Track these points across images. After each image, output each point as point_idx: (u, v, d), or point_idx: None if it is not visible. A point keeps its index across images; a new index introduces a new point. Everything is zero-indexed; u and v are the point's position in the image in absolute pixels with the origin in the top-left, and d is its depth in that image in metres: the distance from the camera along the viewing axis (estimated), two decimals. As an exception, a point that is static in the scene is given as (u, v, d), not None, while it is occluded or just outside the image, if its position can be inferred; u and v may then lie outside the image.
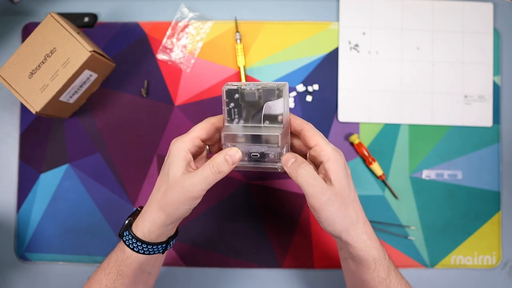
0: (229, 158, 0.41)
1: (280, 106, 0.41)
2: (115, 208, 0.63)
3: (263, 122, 0.42)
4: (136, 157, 0.63)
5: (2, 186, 0.64)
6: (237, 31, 0.63)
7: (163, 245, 0.46)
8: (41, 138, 0.64)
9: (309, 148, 0.43)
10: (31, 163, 0.63)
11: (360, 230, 0.42)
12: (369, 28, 0.65)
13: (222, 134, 0.42)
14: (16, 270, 0.63)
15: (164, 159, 0.63)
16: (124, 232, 0.45)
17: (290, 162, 0.41)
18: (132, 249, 0.44)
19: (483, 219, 0.63)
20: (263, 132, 0.42)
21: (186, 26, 0.64)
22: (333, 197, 0.40)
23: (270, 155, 0.43)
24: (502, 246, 0.64)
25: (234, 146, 0.42)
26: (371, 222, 0.62)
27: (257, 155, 0.43)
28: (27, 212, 0.63)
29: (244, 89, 0.41)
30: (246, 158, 0.43)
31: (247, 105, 0.42)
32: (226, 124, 0.43)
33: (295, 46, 0.64)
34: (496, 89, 0.65)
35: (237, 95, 0.42)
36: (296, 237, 0.63)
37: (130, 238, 0.44)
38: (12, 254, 0.63)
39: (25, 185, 0.63)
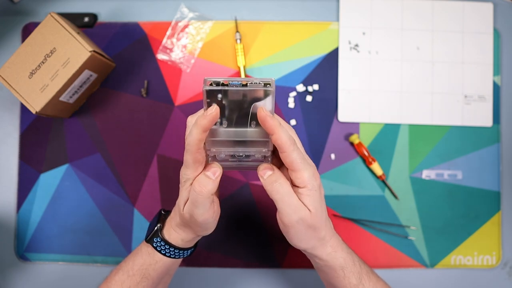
0: (211, 174, 0.40)
1: (268, 104, 0.37)
2: (115, 208, 0.63)
3: (250, 124, 0.39)
4: (136, 157, 0.63)
5: (2, 186, 0.64)
6: (237, 31, 0.63)
7: (193, 248, 0.49)
8: (41, 138, 0.64)
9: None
10: (31, 163, 0.63)
11: (326, 245, 0.43)
12: (369, 28, 0.65)
13: (206, 139, 0.39)
14: (16, 270, 0.63)
15: (165, 159, 0.63)
16: (155, 239, 0.46)
17: (266, 175, 0.41)
18: (164, 254, 0.46)
19: (483, 219, 0.63)
20: (250, 137, 0.39)
21: (186, 26, 0.64)
22: (304, 218, 0.40)
23: (256, 155, 0.41)
24: (502, 246, 0.64)
25: (216, 155, 0.41)
26: (371, 222, 0.63)
27: (242, 156, 0.41)
28: (27, 212, 0.63)
29: (227, 90, 0.37)
30: (229, 158, 0.41)
31: (231, 104, 0.38)
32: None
33: (295, 46, 0.64)
34: (496, 89, 0.65)
35: (220, 96, 0.37)
36: (296, 237, 0.63)
37: (163, 244, 0.46)
38: (12, 254, 0.63)
39: (25, 185, 0.63)
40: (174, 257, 0.46)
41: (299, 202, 0.40)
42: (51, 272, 0.63)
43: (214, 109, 0.36)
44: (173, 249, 0.46)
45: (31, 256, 0.63)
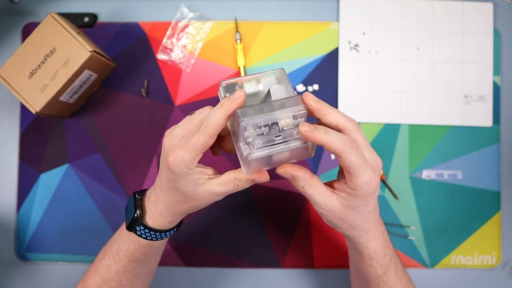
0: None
1: (283, 90, 0.39)
2: (115, 208, 0.63)
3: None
4: (136, 157, 0.63)
5: (2, 186, 0.64)
6: (237, 31, 0.63)
7: (177, 226, 0.47)
8: (41, 138, 0.64)
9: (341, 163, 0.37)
10: (31, 163, 0.63)
11: (359, 235, 0.42)
12: (369, 28, 0.65)
13: (236, 112, 0.36)
14: (16, 270, 0.63)
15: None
16: (137, 227, 0.44)
17: (298, 183, 0.39)
18: (150, 239, 0.44)
19: (483, 219, 0.63)
20: (278, 102, 0.37)
21: (186, 26, 0.64)
22: (333, 211, 0.39)
23: (294, 132, 0.37)
24: (502, 246, 0.64)
25: (251, 143, 0.37)
26: (371, 222, 0.63)
27: (279, 136, 0.37)
28: (27, 212, 0.63)
29: (242, 81, 0.39)
30: (267, 144, 0.37)
31: (249, 98, 0.39)
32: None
33: (295, 46, 0.64)
34: (496, 89, 0.65)
35: (237, 88, 0.39)
36: (296, 237, 0.63)
37: (147, 231, 0.43)
38: (12, 254, 0.63)
39: (25, 185, 0.63)
40: (162, 239, 0.45)
41: (331, 201, 0.39)
42: (51, 272, 0.63)
43: (243, 92, 0.36)
44: (159, 233, 0.44)
45: (31, 256, 0.63)
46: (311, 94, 0.37)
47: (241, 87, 0.39)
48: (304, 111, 0.37)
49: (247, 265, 0.63)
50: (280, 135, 0.37)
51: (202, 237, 0.63)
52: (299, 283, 0.63)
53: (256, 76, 0.39)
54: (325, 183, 0.40)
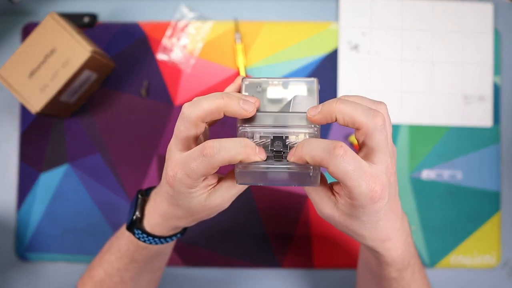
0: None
1: (309, 104, 0.34)
2: (115, 208, 0.63)
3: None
4: (136, 157, 0.63)
5: (2, 186, 0.64)
6: (237, 31, 0.63)
7: (181, 233, 0.44)
8: (41, 138, 0.64)
9: None
10: (31, 163, 0.63)
11: (372, 240, 0.36)
12: (369, 28, 0.65)
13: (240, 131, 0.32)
14: (16, 270, 0.63)
15: (165, 159, 0.63)
16: (135, 230, 0.41)
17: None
18: (149, 243, 0.42)
19: (483, 219, 0.63)
20: (291, 120, 0.32)
21: (186, 26, 0.64)
22: (332, 218, 0.34)
23: (299, 136, 0.33)
24: (502, 246, 0.64)
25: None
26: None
27: (281, 152, 0.32)
28: (27, 212, 0.63)
29: (268, 83, 0.34)
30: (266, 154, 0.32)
31: (268, 104, 0.34)
32: (241, 127, 0.33)
33: (295, 46, 0.64)
34: (496, 89, 0.65)
35: (259, 88, 0.34)
36: (296, 237, 0.63)
37: (145, 235, 0.41)
38: (12, 254, 0.63)
39: (25, 185, 0.63)
40: (162, 243, 0.42)
41: (328, 206, 0.34)
42: (51, 272, 0.63)
43: (263, 153, 0.31)
44: (158, 239, 0.41)
45: (31, 256, 0.63)
46: (313, 108, 0.33)
47: (264, 87, 0.34)
48: (317, 133, 0.33)
49: (247, 265, 0.63)
50: (282, 152, 0.32)
51: (201, 237, 0.63)
52: (299, 283, 0.63)
53: (284, 80, 0.35)
54: (330, 183, 0.35)
